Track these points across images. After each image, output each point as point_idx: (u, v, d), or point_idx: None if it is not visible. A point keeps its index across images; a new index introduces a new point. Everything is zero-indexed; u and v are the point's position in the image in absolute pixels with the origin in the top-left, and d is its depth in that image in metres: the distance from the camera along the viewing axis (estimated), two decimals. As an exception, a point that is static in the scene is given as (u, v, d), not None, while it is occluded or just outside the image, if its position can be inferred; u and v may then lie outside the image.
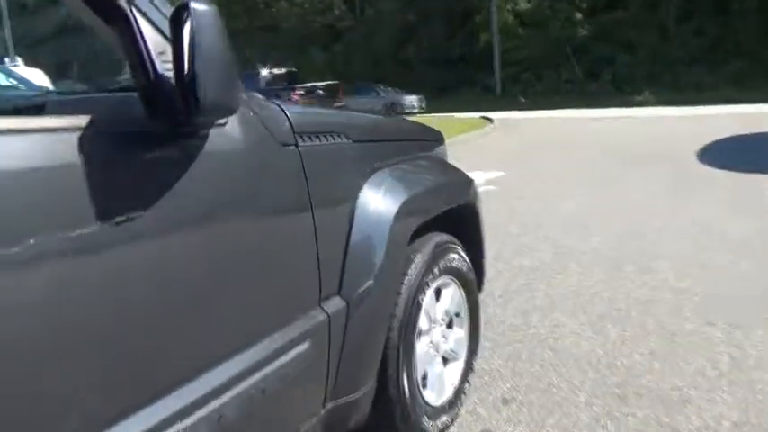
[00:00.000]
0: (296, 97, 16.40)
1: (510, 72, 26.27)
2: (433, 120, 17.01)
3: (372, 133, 1.66)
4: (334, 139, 1.43)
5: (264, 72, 20.14)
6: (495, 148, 11.19)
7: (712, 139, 9.36)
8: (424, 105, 22.46)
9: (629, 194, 5.83)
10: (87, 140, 0.89)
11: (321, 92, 18.20)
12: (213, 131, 1.07)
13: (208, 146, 1.05)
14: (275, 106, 1.29)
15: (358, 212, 1.47)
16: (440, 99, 24.74)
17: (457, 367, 2.00)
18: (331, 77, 23.59)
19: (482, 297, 3.04)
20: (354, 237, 1.45)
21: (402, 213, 1.56)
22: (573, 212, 5.20)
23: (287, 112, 1.28)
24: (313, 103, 12.90)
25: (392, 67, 29.48)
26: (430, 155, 2.02)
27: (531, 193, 6.27)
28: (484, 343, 2.57)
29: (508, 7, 27.13)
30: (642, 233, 4.36)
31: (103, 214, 0.90)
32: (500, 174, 7.60)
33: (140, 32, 1.01)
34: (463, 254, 1.98)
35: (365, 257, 1.47)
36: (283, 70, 20.78)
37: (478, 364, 2.36)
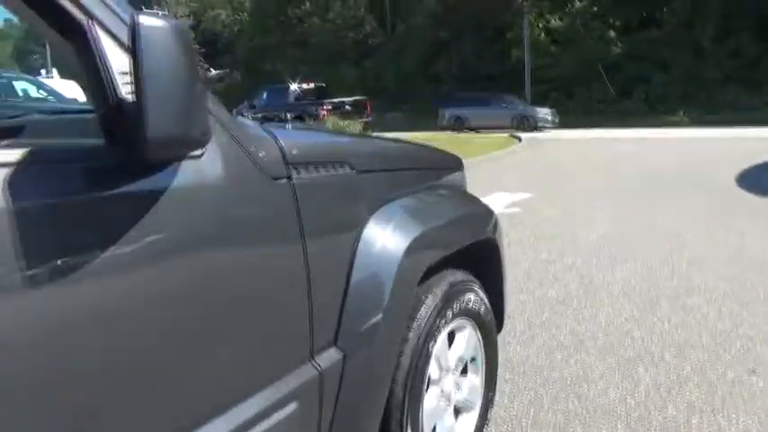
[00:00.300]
0: (324, 112, 16.40)
1: (540, 90, 25.97)
2: (461, 137, 16.87)
3: (381, 161, 1.50)
4: (335, 169, 1.28)
5: (293, 87, 20.22)
6: (523, 168, 10.96)
7: (750, 162, 8.99)
8: (557, 120, 21.02)
9: (662, 221, 5.56)
10: (27, 173, 0.76)
11: (349, 107, 18.17)
12: (185, 164, 0.93)
13: (177, 181, 0.91)
14: (266, 134, 1.14)
15: (361, 252, 1.31)
16: (468, 116, 24.53)
17: (470, 419, 1.81)
18: (361, 93, 23.60)
19: (503, 333, 2.86)
20: (355, 279, 1.29)
21: (411, 252, 1.39)
22: (602, 239, 4.96)
23: (279, 141, 1.13)
24: (324, 123, 12.83)
25: (422, 83, 29.47)
26: (447, 184, 1.86)
27: (559, 216, 6.04)
28: (503, 386, 2.38)
29: (540, 24, 26.92)
30: (676, 264, 4.11)
31: (48, 261, 0.77)
32: (527, 195, 7.38)
33: (100, 48, 0.87)
34: (481, 294, 1.80)
35: (367, 302, 1.30)
36: (312, 85, 20.84)
37: (496, 410, 2.17)
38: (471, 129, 21.11)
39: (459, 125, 21.79)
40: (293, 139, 1.22)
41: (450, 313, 1.62)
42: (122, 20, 0.93)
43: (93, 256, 0.81)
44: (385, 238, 1.36)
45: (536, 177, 9.44)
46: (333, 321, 1.25)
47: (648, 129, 18.38)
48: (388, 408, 1.41)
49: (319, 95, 19.88)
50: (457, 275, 1.68)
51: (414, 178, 1.66)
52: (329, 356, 1.22)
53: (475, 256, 1.84)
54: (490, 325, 1.87)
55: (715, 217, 5.67)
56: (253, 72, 37.19)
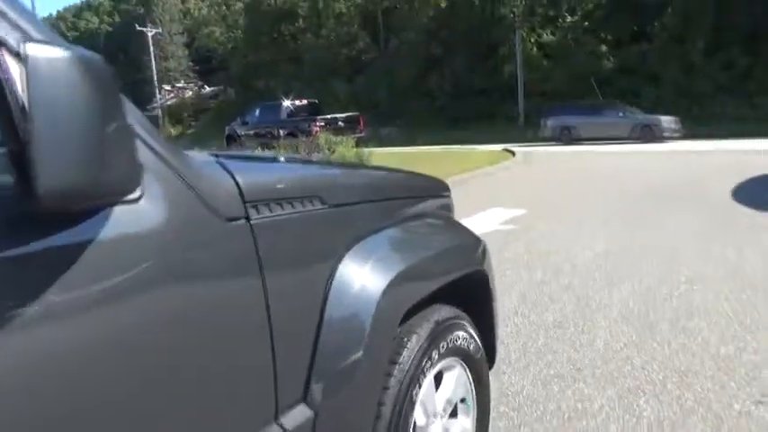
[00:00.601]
0: (316, 128, 16.34)
1: (533, 104, 26.04)
2: (453, 151, 16.81)
3: (357, 193, 1.38)
4: (303, 205, 1.15)
5: (286, 103, 20.20)
6: (517, 183, 10.88)
7: (745, 176, 8.92)
8: (682, 129, 18.73)
9: (659, 237, 5.45)
10: None
11: (342, 123, 18.13)
12: (118, 210, 0.80)
13: (107, 230, 0.78)
14: (221, 171, 1.01)
15: (333, 295, 1.18)
16: (461, 130, 24.58)
17: (462, 465, 1.68)
18: (354, 109, 23.59)
19: (497, 361, 2.73)
20: (327, 327, 1.16)
21: (391, 292, 1.27)
22: (598, 258, 4.85)
23: (236, 178, 1.00)
24: (317, 140, 12.70)
25: (414, 99, 29.53)
26: (432, 212, 1.74)
27: (554, 233, 5.92)
28: (497, 422, 2.26)
29: (532, 39, 27.05)
30: (674, 284, 3.99)
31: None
32: (521, 212, 7.27)
33: (9, 80, 0.74)
34: (471, 330, 1.67)
35: (341, 352, 1.17)
36: (305, 101, 20.84)
37: (489, 450, 2.04)
38: (580, 140, 19.58)
39: (566, 136, 20.14)
40: (253, 174, 1.10)
41: (436, 354, 1.49)
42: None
43: (5, 320, 0.69)
44: (361, 278, 1.24)
45: (533, 192, 9.35)
46: (301, 376, 1.12)
47: (640, 144, 18.36)
48: (370, 462, 1.28)
49: (312, 112, 19.88)
50: (443, 312, 1.56)
51: (395, 208, 1.53)
52: (297, 415, 1.09)
53: (463, 289, 1.72)
54: (481, 362, 1.74)
55: (712, 232, 5.57)
56: (247, 88, 37.24)
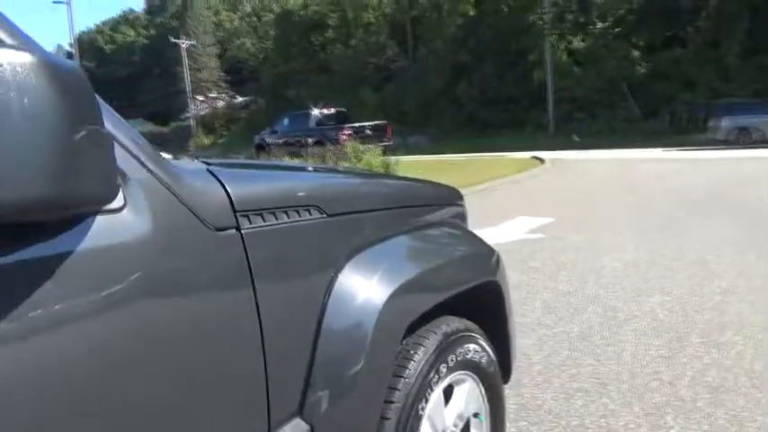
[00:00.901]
0: (344, 136, 16.40)
1: (563, 111, 25.73)
2: (481, 159, 16.68)
3: (359, 202, 1.34)
4: (300, 215, 1.11)
5: (315, 112, 20.37)
6: (545, 191, 10.71)
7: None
8: None
9: (691, 247, 5.27)
10: None
11: (369, 131, 18.18)
12: (99, 220, 0.78)
13: (86, 242, 0.76)
14: (211, 179, 0.98)
15: (332, 308, 1.14)
16: (490, 138, 24.42)
17: (475, 483, 1.61)
18: (382, 117, 23.65)
19: (518, 375, 2.65)
20: (325, 339, 1.12)
21: (393, 304, 1.22)
22: (627, 267, 4.71)
23: (226, 187, 0.98)
24: (344, 148, 12.70)
25: (443, 107, 29.47)
26: (442, 221, 1.68)
27: (582, 242, 5.79)
28: (516, 437, 2.18)
29: (562, 46, 26.76)
30: (707, 296, 3.84)
31: None
32: (549, 220, 7.14)
33: None
34: (483, 343, 1.61)
35: (339, 364, 1.13)
36: (333, 110, 20.98)
37: (507, 466, 1.97)
38: (764, 143, 16.99)
39: (744, 137, 17.71)
40: (245, 183, 1.07)
41: (444, 367, 1.43)
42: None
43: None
44: (362, 288, 1.19)
45: (561, 200, 9.18)
46: (296, 389, 1.08)
47: (674, 149, 17.94)
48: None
49: (340, 120, 19.99)
50: (453, 324, 1.50)
51: (401, 217, 1.49)
52: (292, 430, 1.05)
53: (475, 300, 1.66)
54: (494, 376, 1.67)
55: (746, 242, 5.36)
56: (277, 98, 37.69)
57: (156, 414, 0.86)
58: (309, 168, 1.72)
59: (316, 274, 1.15)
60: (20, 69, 0.63)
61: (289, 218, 1.09)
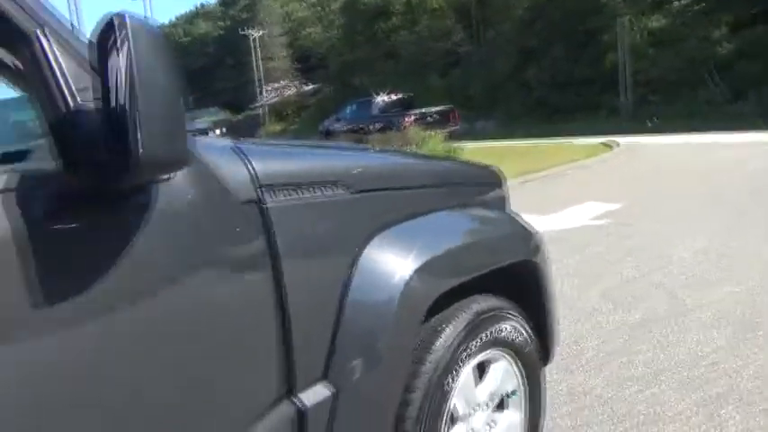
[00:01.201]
0: (408, 122, 16.39)
1: (639, 94, 24.55)
2: (550, 144, 16.22)
3: (386, 180, 1.36)
4: (323, 190, 1.15)
5: (379, 98, 20.45)
6: (615, 176, 10.29)
7: None
8: None
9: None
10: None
11: (432, 117, 18.07)
12: (156, 189, 0.85)
13: (139, 210, 0.84)
14: (236, 155, 1.03)
15: (357, 279, 1.18)
16: (560, 123, 23.69)
17: (510, 460, 1.62)
18: (449, 102, 23.42)
19: (567, 361, 2.61)
20: (350, 309, 1.16)
21: (417, 278, 1.24)
22: (697, 256, 4.48)
23: (251, 162, 1.02)
24: (407, 134, 12.68)
25: (511, 91, 28.83)
26: (477, 201, 1.67)
27: (651, 229, 5.55)
28: (560, 421, 2.16)
29: (639, 26, 25.48)
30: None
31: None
32: (617, 206, 6.88)
33: (54, 61, 0.80)
34: (520, 323, 1.61)
35: (362, 334, 1.17)
36: (398, 96, 20.98)
37: (548, 449, 1.95)
38: None
39: None
40: (269, 159, 1.11)
41: (475, 344, 1.44)
42: (76, 29, 0.86)
43: (53, 295, 0.75)
44: (387, 263, 1.22)
45: (630, 186, 8.82)
46: (321, 356, 1.13)
47: (763, 132, 16.78)
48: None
49: (404, 106, 19.96)
50: (486, 302, 1.50)
51: (434, 196, 1.50)
52: (316, 392, 1.10)
53: (514, 280, 1.65)
54: (532, 356, 1.66)
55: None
56: (344, 86, 38.05)
57: (187, 375, 0.92)
58: (338, 147, 1.77)
59: (340, 248, 1.19)
60: (149, 34, 0.73)
61: (313, 193, 1.13)
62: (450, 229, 1.52)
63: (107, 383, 0.83)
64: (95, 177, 0.80)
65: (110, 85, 0.76)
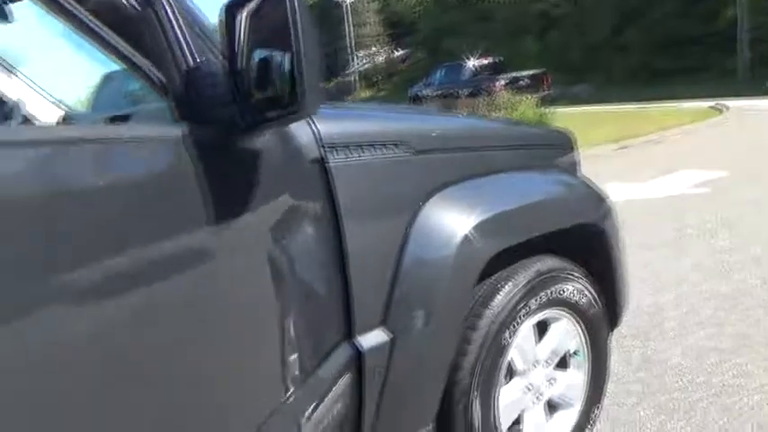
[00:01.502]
0: (498, 87, 15.99)
1: (758, 53, 22.40)
2: (652, 108, 15.26)
3: (448, 141, 1.41)
4: (384, 150, 1.23)
5: (469, 63, 20.04)
6: (722, 143, 9.57)
7: None
8: None
9: None
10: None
11: (524, 81, 17.51)
12: (254, 141, 0.98)
13: (240, 161, 0.96)
14: None
15: (415, 235, 1.26)
16: (663, 86, 22.16)
17: (568, 416, 1.67)
18: (544, 66, 22.54)
19: (647, 328, 2.57)
20: (408, 263, 1.24)
21: (474, 237, 1.30)
22: (805, 228, 4.16)
23: (314, 122, 1.12)
24: (497, 99, 12.37)
25: (609, 54, 27.25)
26: (543, 164, 1.69)
27: (755, 200, 5.18)
28: (631, 386, 2.16)
29: (761, -25, 23.08)
30: None
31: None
32: (721, 174, 6.44)
33: (176, 25, 0.92)
34: (585, 284, 1.63)
35: (420, 286, 1.26)
36: (489, 60, 20.46)
37: (617, 411, 1.98)
38: None
39: None
40: (332, 120, 1.20)
41: (535, 303, 1.49)
42: None
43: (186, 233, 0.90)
44: (445, 220, 1.29)
45: (737, 154, 8.19)
46: (379, 303, 1.22)
47: None
48: (452, 395, 1.35)
49: (496, 71, 19.44)
50: (548, 262, 1.54)
51: (497, 158, 1.54)
52: (374, 337, 1.21)
53: (580, 244, 1.67)
54: (596, 319, 1.68)
55: None
56: (435, 51, 37.53)
57: (258, 327, 1.04)
58: (402, 109, 1.83)
59: (400, 204, 1.27)
60: None
61: (372, 152, 1.22)
62: (513, 190, 1.56)
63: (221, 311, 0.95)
64: (215, 131, 0.93)
65: (236, 43, 0.89)
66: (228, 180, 0.95)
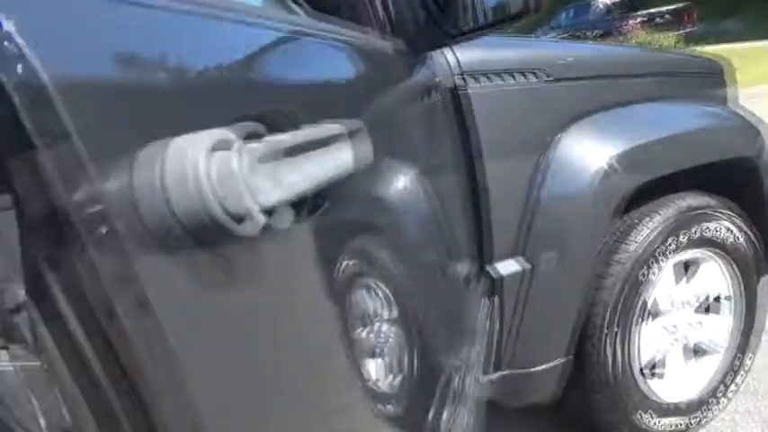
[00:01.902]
0: (632, 26, 14.73)
1: None
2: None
3: (588, 68, 1.35)
4: (525, 78, 1.21)
5: (599, 1, 18.56)
6: None
7: None
8: None
9: None
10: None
11: (662, 18, 15.94)
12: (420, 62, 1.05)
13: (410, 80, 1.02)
14: None
15: (552, 166, 1.24)
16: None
17: (712, 362, 1.59)
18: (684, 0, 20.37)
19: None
20: (545, 195, 1.24)
21: (614, 168, 1.26)
22: None
23: (453, 49, 1.12)
24: (630, 39, 11.35)
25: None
26: (692, 93, 1.56)
27: None
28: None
29: None
30: None
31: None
32: None
33: None
34: (736, 223, 1.51)
35: (556, 218, 1.25)
36: (627, -4, 18.79)
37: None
38: None
39: None
40: (469, 48, 1.18)
41: (679, 241, 1.42)
42: None
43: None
44: (583, 152, 1.26)
45: None
46: (515, 234, 1.24)
47: None
48: (588, 329, 1.35)
49: (633, 7, 17.86)
50: (693, 200, 1.45)
51: (639, 86, 1.45)
52: (511, 265, 1.23)
53: (732, 179, 1.55)
54: (748, 261, 1.57)
55: None
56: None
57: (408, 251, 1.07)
58: (540, 40, 1.76)
59: (537, 133, 1.26)
60: None
61: (514, 80, 1.20)
62: (658, 120, 1.47)
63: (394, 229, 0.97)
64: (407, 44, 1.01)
65: None
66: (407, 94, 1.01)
